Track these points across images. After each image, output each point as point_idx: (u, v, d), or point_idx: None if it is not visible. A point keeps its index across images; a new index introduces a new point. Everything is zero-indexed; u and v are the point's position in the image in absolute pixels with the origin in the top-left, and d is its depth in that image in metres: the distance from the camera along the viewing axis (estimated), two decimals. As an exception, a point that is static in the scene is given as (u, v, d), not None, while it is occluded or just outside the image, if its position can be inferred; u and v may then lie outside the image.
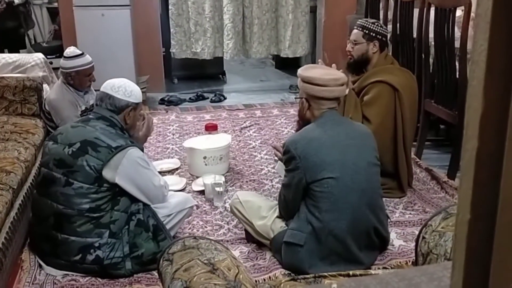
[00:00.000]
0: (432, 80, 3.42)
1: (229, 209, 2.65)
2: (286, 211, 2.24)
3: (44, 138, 3.10)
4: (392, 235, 2.48)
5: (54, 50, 5.22)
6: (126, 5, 4.65)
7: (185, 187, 3.15)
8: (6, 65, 3.80)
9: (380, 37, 2.90)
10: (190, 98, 5.15)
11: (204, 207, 2.91)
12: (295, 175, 2.12)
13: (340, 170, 2.09)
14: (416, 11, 3.58)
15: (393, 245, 2.44)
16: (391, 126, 2.85)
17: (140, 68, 5.01)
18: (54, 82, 3.82)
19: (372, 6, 4.47)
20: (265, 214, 2.34)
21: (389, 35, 3.93)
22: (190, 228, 2.67)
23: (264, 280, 2.19)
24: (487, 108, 0.47)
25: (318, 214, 2.10)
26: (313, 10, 5.65)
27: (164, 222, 2.29)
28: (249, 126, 4.31)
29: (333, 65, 2.68)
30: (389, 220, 2.41)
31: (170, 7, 5.22)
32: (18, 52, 4.84)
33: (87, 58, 3.31)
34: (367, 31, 2.89)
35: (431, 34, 3.35)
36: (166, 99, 5.06)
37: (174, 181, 3.15)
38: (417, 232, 1.68)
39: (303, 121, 2.27)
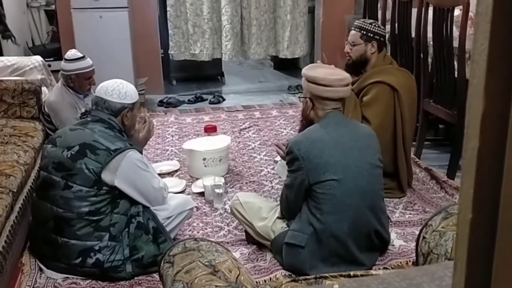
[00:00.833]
0: (431, 79, 3.42)
1: (229, 211, 2.65)
2: (288, 212, 2.24)
3: (43, 141, 3.10)
4: (392, 235, 2.48)
5: (52, 53, 5.21)
6: (124, 7, 4.65)
7: (184, 189, 3.15)
8: (4, 68, 3.80)
9: (378, 37, 2.90)
10: (189, 100, 5.15)
11: (204, 208, 2.91)
12: (297, 176, 2.12)
13: (343, 172, 2.08)
14: (414, 11, 3.59)
15: (393, 245, 2.44)
16: (391, 126, 2.85)
17: (139, 70, 5.01)
18: (53, 85, 3.82)
19: (370, 6, 4.47)
20: (266, 215, 2.34)
21: (387, 35, 3.94)
22: (190, 230, 2.66)
23: (265, 281, 2.19)
24: (488, 107, 0.47)
25: (319, 215, 2.10)
26: (311, 11, 5.66)
27: (164, 224, 2.29)
28: (248, 127, 4.31)
29: (332, 65, 2.68)
30: (389, 221, 2.41)
31: (168, 8, 5.22)
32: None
33: (88, 61, 3.31)
34: (364, 32, 2.89)
35: (430, 34, 3.35)
36: (165, 100, 5.06)
37: (174, 183, 3.15)
38: (417, 232, 1.68)
39: (306, 121, 2.27)
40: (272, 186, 3.20)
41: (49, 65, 4.20)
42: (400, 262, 2.33)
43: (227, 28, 5.25)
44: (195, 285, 1.20)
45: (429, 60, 3.46)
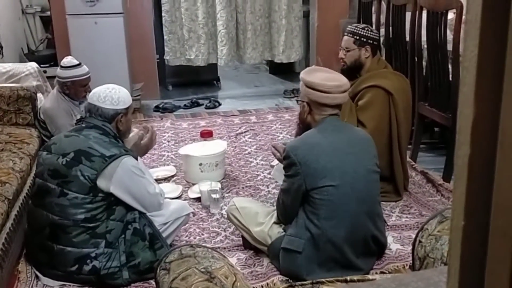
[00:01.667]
0: (426, 83, 3.43)
1: (225, 216, 2.65)
2: (285, 216, 2.24)
3: (39, 147, 3.09)
4: (389, 239, 2.48)
5: (48, 59, 5.21)
6: (119, 13, 4.65)
7: (181, 195, 3.15)
8: (-1, 74, 3.79)
9: (371, 41, 2.91)
10: (184, 105, 5.15)
11: (201, 214, 2.91)
12: (294, 181, 2.11)
13: (340, 177, 2.09)
14: (408, 15, 3.60)
15: (390, 249, 2.44)
16: (386, 130, 2.86)
17: (134, 75, 5.01)
18: (48, 91, 3.81)
19: (364, 10, 4.49)
20: (262, 220, 2.34)
21: (382, 39, 3.95)
22: (187, 236, 2.66)
23: (262, 287, 2.18)
24: (479, 114, 0.48)
25: (316, 221, 2.10)
26: (306, 15, 5.67)
27: (160, 231, 2.28)
28: (244, 132, 4.31)
29: (330, 70, 2.68)
30: (386, 225, 2.41)
31: (163, 14, 5.22)
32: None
33: (84, 68, 3.30)
34: (357, 37, 2.90)
35: (424, 37, 3.36)
36: (160, 106, 5.06)
37: (170, 189, 3.15)
38: (413, 236, 1.68)
39: (303, 125, 2.27)
40: (268, 191, 3.20)
41: (45, 71, 4.19)
42: (397, 266, 2.33)
43: (222, 33, 5.26)
44: (191, 292, 1.20)
45: (424, 63, 3.47)
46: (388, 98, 2.83)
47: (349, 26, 2.99)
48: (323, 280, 2.01)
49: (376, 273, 2.25)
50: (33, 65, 3.92)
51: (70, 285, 2.22)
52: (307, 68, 2.35)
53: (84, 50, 4.45)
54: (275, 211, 2.32)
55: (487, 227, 0.47)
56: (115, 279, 2.18)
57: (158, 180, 3.23)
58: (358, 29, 2.92)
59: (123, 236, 2.19)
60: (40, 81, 3.89)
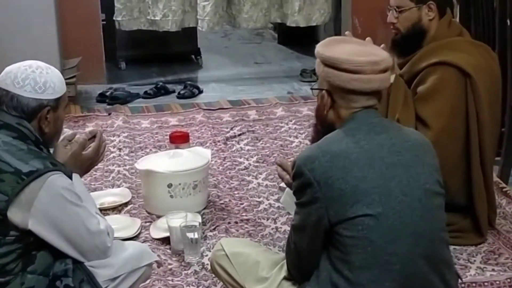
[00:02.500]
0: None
1: (208, 267, 2.65)
2: (299, 269, 2.24)
3: None
4: (466, 304, 2.49)
5: None
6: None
7: (138, 233, 3.15)
8: None
9: (436, -6, 2.92)
10: (145, 92, 5.17)
11: (170, 264, 2.91)
12: (311, 212, 2.11)
13: (382, 203, 2.08)
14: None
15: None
16: (461, 133, 2.86)
17: (67, 46, 5.03)
18: None
19: None
20: (266, 275, 2.33)
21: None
22: (148, 299, 2.67)
23: None
24: None
25: (348, 272, 2.09)
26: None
27: (106, 290, 2.28)
28: (239, 135, 4.32)
29: (368, 38, 2.68)
30: (459, 281, 2.41)
31: (113, -50, 5.25)
32: None
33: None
34: None
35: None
36: (108, 94, 5.08)
37: (123, 224, 3.15)
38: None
39: (322, 126, 2.27)
40: (276, 227, 3.20)
41: None
42: None
43: (205, -20, 5.28)
44: None
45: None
46: (465, 82, 2.84)
47: None
48: None
49: None
50: None
51: None
52: (327, 39, 2.35)
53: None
54: (286, 260, 2.32)
55: None
56: None
57: (104, 210, 3.22)
58: (418, -25, 2.93)
59: (47, 298, 2.19)
60: None
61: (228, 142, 4.21)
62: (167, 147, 3.90)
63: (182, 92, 5.17)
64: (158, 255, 2.88)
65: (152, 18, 5.34)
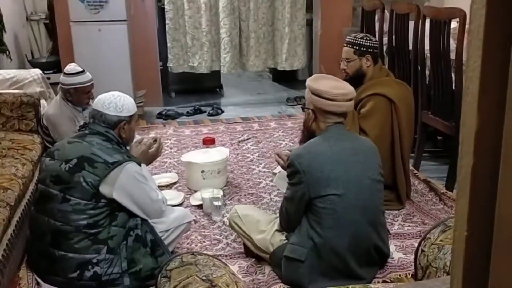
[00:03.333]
0: (429, 91, 3.43)
1: (227, 223, 2.65)
2: (288, 224, 2.24)
3: (41, 153, 3.09)
4: (392, 248, 2.48)
5: (51, 66, 5.22)
6: (123, 20, 4.67)
7: (183, 202, 3.14)
8: (3, 81, 3.80)
9: (371, 50, 2.90)
10: (187, 112, 5.15)
11: (202, 221, 2.90)
12: (298, 189, 2.11)
13: (344, 187, 2.08)
14: (411, 23, 3.61)
15: (392, 258, 2.43)
16: (388, 138, 2.85)
17: (138, 82, 5.02)
18: (51, 98, 3.82)
19: (367, 18, 4.50)
20: (264, 228, 2.33)
21: (385, 48, 3.96)
22: (188, 243, 2.65)
23: (264, 295, 2.17)
24: (482, 125, 0.47)
25: (320, 230, 2.09)
26: (309, 23, 5.68)
27: (162, 237, 2.28)
28: (247, 139, 4.31)
29: (336, 78, 2.67)
30: (388, 234, 2.40)
31: (167, 21, 5.24)
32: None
33: (87, 75, 3.32)
34: (357, 47, 2.89)
35: (427, 46, 3.37)
36: (163, 113, 5.06)
37: (172, 196, 3.15)
38: (416, 245, 1.68)
39: (308, 132, 2.28)
40: (271, 199, 3.19)
41: (48, 78, 4.21)
42: (400, 275, 2.32)
43: (225, 40, 5.27)
44: (192, 300, 1.19)
45: (427, 72, 3.47)
46: (390, 106, 2.83)
47: (348, 37, 2.98)
48: (325, 288, 2.00)
49: (379, 282, 2.24)
50: (36, 72, 3.94)
51: (71, 291, 2.21)
52: (314, 75, 2.36)
53: (87, 57, 4.47)
54: (277, 219, 2.32)
55: (490, 238, 0.47)
56: (116, 285, 2.17)
57: (160, 187, 3.23)
58: (357, 39, 2.92)
59: (124, 242, 2.19)
60: (44, 88, 3.91)
61: (240, 144, 4.21)
62: (200, 147, 3.90)
63: (210, 112, 5.16)
64: (195, 216, 2.89)
65: (192, 64, 5.34)
